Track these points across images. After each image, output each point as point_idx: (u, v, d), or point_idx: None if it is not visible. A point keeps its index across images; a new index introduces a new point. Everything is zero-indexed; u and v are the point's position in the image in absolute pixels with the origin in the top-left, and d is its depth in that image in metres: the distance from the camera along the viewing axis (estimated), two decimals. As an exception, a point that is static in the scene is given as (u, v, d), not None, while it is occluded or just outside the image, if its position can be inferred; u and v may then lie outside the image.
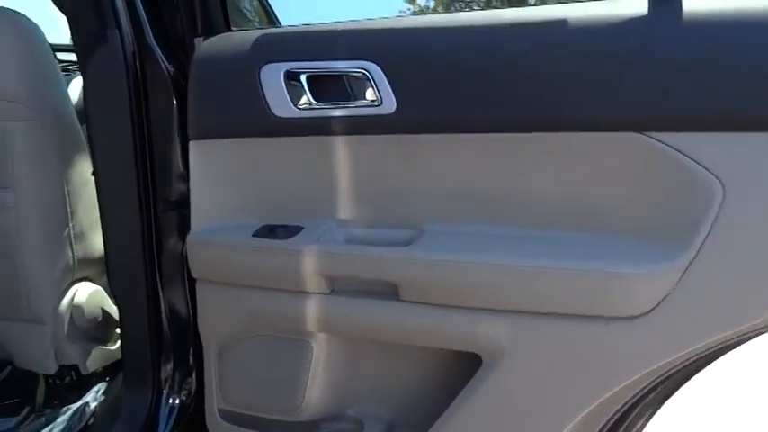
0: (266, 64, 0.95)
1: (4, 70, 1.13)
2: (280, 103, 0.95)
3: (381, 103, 0.91)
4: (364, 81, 0.91)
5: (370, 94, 0.92)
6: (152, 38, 1.09)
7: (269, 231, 0.99)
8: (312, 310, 0.97)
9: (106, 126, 1.10)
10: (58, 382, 1.40)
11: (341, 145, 0.96)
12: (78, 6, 1.07)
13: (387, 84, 0.90)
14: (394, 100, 0.90)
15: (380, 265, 0.92)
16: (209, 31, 1.05)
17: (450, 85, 0.88)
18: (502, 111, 0.87)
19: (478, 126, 0.89)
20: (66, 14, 1.10)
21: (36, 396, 1.39)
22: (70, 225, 1.27)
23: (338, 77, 0.94)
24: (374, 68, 0.90)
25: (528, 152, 0.87)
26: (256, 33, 0.98)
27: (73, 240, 1.28)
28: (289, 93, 0.94)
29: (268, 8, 1.87)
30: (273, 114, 0.95)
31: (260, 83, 0.95)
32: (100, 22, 1.07)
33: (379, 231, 0.97)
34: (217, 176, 1.02)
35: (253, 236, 0.98)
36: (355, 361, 1.04)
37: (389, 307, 0.93)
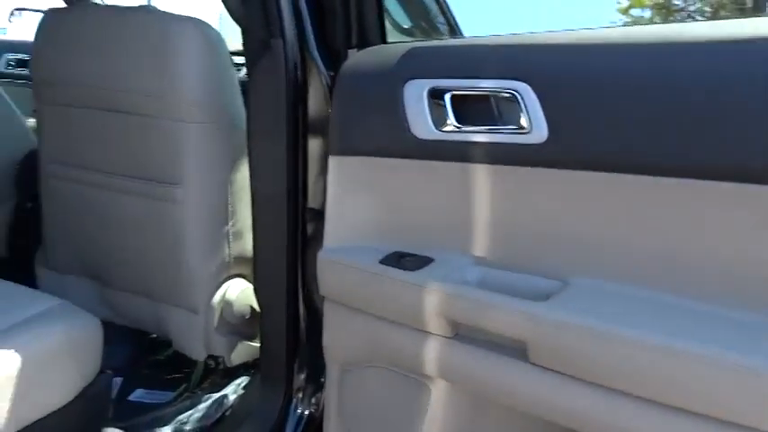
0: (410, 80, 0.87)
1: (186, 74, 1.21)
2: (421, 124, 0.87)
3: (531, 129, 0.78)
4: (514, 103, 0.79)
5: (519, 119, 0.79)
6: (314, 48, 1.09)
7: (397, 259, 0.92)
8: (432, 352, 0.88)
9: (264, 131, 1.12)
10: (210, 367, 1.49)
11: (482, 174, 0.85)
12: (249, 16, 1.10)
13: (538, 108, 0.77)
14: (545, 127, 0.77)
15: (511, 319, 0.79)
16: (364, 44, 1.01)
17: (616, 113, 0.72)
18: (688, 151, 0.69)
19: (652, 167, 0.71)
20: (238, 23, 1.14)
21: (191, 377, 1.50)
22: (230, 224, 1.34)
23: (485, 98, 0.83)
24: (525, 89, 0.78)
25: (719, 206, 0.68)
26: (405, 47, 0.91)
27: (231, 239, 1.35)
28: (431, 112, 0.86)
29: (451, 20, 1.80)
30: (413, 135, 0.87)
31: (402, 100, 0.88)
32: (266, 32, 1.09)
33: (516, 276, 0.84)
34: (353, 194, 0.98)
35: (380, 262, 0.92)
36: (477, 416, 0.92)
37: (516, 367, 0.80)
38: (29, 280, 1.52)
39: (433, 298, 0.85)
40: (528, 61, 0.79)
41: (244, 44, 1.16)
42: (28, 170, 1.47)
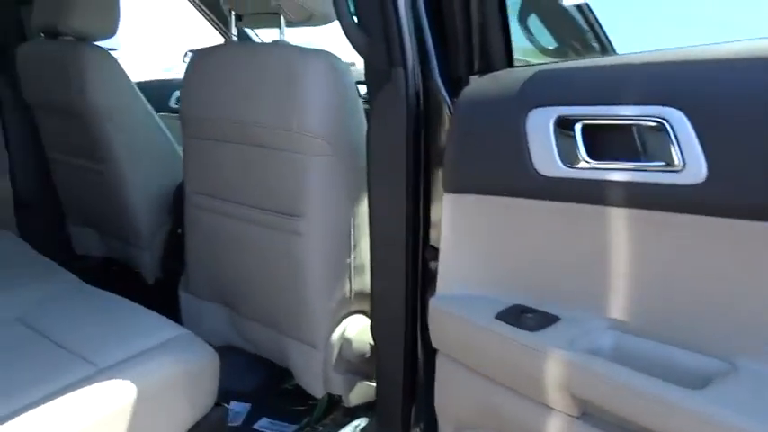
0: (535, 108, 0.75)
1: (309, 107, 1.20)
2: (546, 158, 0.74)
3: (685, 167, 0.62)
4: (661, 135, 0.64)
5: (668, 154, 0.64)
6: (438, 76, 1.01)
7: (517, 315, 0.79)
8: (551, 431, 0.74)
9: (383, 163, 1.07)
10: (335, 400, 1.45)
11: (621, 220, 0.70)
12: (370, 45, 1.06)
13: (694, 140, 0.61)
14: (704, 164, 0.61)
15: (655, 407, 0.63)
16: (487, 69, 0.91)
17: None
18: None
19: None
20: (359, 53, 1.10)
21: (314, 411, 1.47)
22: (351, 258, 1.29)
23: (624, 129, 0.68)
24: (677, 117, 0.62)
25: None
26: (530, 70, 0.80)
27: (352, 273, 1.30)
28: (558, 145, 0.73)
29: (602, 38, 1.62)
30: (537, 171, 0.75)
31: (525, 131, 0.76)
32: (387, 61, 1.03)
33: (661, 349, 0.68)
34: (469, 236, 0.87)
35: (497, 317, 0.80)
36: None
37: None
38: (176, 302, 1.61)
39: (556, 366, 0.72)
40: (680, 82, 0.64)
41: (366, 74, 1.11)
42: (180, 198, 1.56)
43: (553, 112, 0.73)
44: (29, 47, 1.81)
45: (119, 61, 1.72)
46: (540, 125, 0.74)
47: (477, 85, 0.87)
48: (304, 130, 1.20)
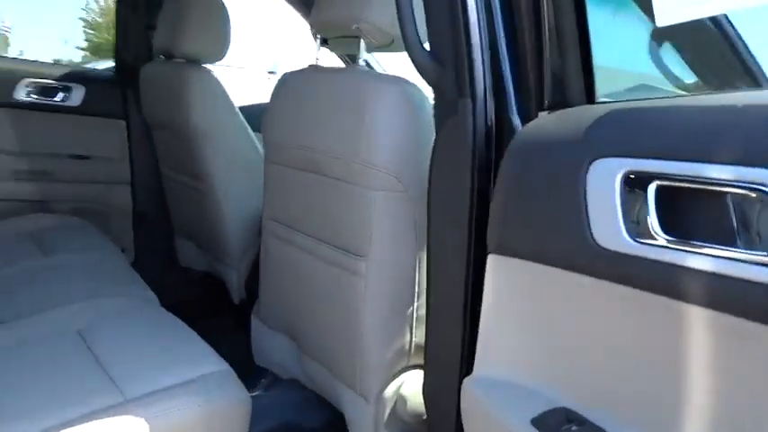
0: (598, 158, 0.58)
1: (377, 138, 1.10)
2: (607, 226, 0.57)
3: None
4: (762, 208, 0.44)
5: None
6: (513, 111, 0.86)
7: (558, 424, 0.61)
8: None
9: (441, 204, 0.94)
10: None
11: (705, 325, 0.50)
12: (439, 74, 0.94)
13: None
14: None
15: None
16: (561, 104, 0.74)
17: None
18: None
19: None
20: (428, 82, 0.98)
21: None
22: (414, 306, 1.16)
23: (716, 197, 0.49)
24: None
25: None
26: (601, 108, 0.62)
27: (414, 323, 1.17)
28: (624, 210, 0.55)
29: (753, 70, 1.34)
30: (596, 243, 0.58)
31: (584, 187, 0.59)
32: (455, 91, 0.91)
33: None
34: (514, 309, 0.71)
35: (532, 421, 0.63)
36: None
37: None
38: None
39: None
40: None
41: (434, 105, 0.99)
42: (265, 222, 1.54)
43: (621, 166, 0.56)
44: (149, 67, 1.91)
45: (216, 77, 1.75)
46: (604, 181, 0.57)
47: (537, 124, 0.71)
48: (370, 163, 1.10)
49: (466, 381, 0.76)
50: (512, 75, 0.88)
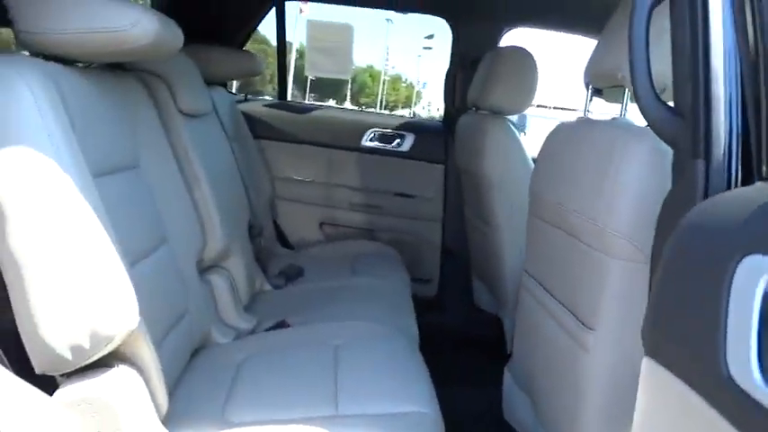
0: (747, 255, 0.43)
1: (620, 199, 0.97)
2: (740, 351, 0.41)
3: None
4: None
5: None
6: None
7: None
8: None
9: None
10: None
11: None
12: (675, 131, 0.80)
13: None
14: None
15: None
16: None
17: None
18: None
19: None
20: (664, 139, 0.83)
21: None
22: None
23: None
24: None
25: None
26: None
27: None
28: (764, 337, 0.39)
29: None
30: (730, 377, 0.42)
31: (727, 292, 0.44)
32: (690, 151, 0.77)
33: None
34: (663, 422, 0.55)
35: None
36: None
37: None
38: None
39: None
40: None
41: (672, 165, 0.84)
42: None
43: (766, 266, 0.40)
44: (463, 118, 2.08)
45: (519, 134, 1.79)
46: (747, 286, 0.41)
47: (703, 209, 0.54)
48: (609, 227, 0.99)
49: None
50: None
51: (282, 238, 2.33)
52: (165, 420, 1.05)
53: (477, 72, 1.92)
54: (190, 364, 1.32)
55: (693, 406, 0.48)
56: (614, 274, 0.99)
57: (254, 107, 2.39)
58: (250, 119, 2.25)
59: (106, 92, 1.12)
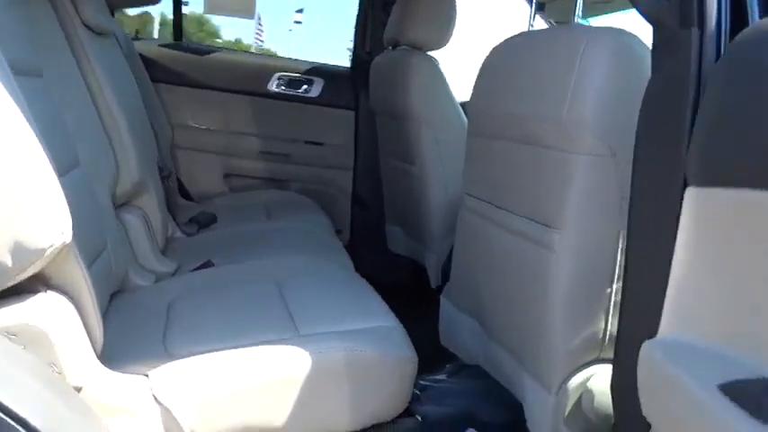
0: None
1: (584, 92, 0.98)
2: None
3: None
4: None
5: None
6: None
7: (758, 394, 0.46)
8: None
9: (653, 157, 0.80)
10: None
11: None
12: (662, 6, 0.80)
13: None
14: None
15: None
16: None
17: None
18: None
19: None
20: (648, 19, 0.84)
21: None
22: (612, 289, 1.01)
23: None
24: None
25: None
26: None
27: (611, 309, 1.01)
28: None
29: None
30: None
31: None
32: (677, 21, 0.77)
33: None
34: (709, 252, 0.56)
35: (721, 387, 0.48)
36: None
37: None
38: None
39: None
40: None
41: (652, 48, 0.85)
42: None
43: None
44: (378, 59, 2.03)
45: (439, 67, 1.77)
46: None
47: (755, 31, 0.55)
48: (574, 121, 0.99)
49: (646, 344, 0.62)
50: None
51: (183, 190, 2.15)
52: (102, 358, 0.91)
53: (394, 9, 1.88)
54: (111, 307, 1.16)
55: (750, 204, 0.48)
56: (580, 170, 1.00)
57: (149, 47, 2.16)
58: (144, 60, 2.03)
59: None
